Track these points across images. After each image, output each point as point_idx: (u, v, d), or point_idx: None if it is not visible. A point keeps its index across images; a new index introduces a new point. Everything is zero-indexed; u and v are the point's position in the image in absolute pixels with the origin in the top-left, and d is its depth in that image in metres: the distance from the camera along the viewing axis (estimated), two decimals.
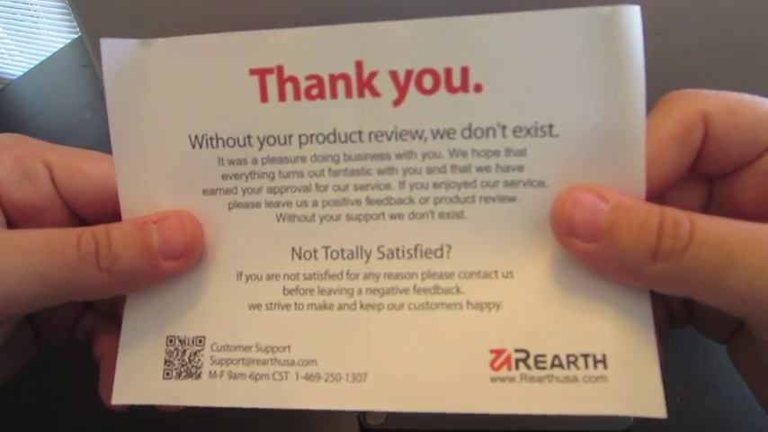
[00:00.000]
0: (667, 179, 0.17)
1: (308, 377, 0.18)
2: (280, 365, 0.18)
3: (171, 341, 0.19)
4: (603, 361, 0.17)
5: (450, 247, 0.18)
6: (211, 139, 0.18)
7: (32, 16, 1.47)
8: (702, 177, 0.18)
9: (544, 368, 0.17)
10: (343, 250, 0.18)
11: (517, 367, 0.17)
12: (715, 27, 0.30)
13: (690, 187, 0.18)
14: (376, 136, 0.18)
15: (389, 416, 0.30)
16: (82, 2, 0.26)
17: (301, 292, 0.18)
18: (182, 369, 0.18)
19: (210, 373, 0.18)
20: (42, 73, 0.68)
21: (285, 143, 0.18)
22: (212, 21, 0.25)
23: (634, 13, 0.16)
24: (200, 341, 0.19)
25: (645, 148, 0.16)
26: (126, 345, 0.19)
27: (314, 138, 0.18)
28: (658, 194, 0.17)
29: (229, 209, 0.19)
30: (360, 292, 0.18)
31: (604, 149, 0.17)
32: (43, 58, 0.71)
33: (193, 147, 0.18)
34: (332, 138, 0.18)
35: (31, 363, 0.22)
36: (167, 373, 0.19)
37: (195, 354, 0.19)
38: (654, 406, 0.16)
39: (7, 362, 0.20)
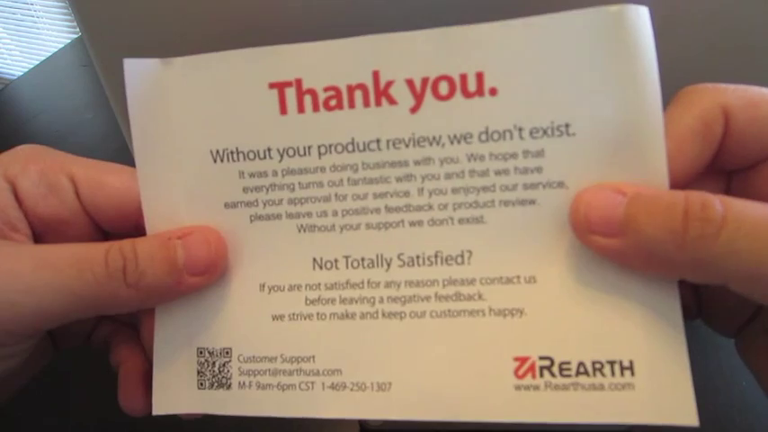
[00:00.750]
0: (688, 174, 0.17)
1: (333, 387, 0.18)
2: (305, 376, 0.18)
3: (201, 353, 0.19)
4: (631, 368, 0.16)
5: (470, 252, 0.18)
6: (232, 153, 0.19)
7: (32, 16, 1.48)
8: (721, 172, 0.18)
9: (569, 376, 0.17)
10: (363, 259, 0.18)
11: (542, 375, 0.17)
12: (715, 27, 0.30)
13: (707, 182, 0.18)
14: (394, 144, 0.18)
15: None
16: (82, 2, 0.26)
17: (323, 302, 0.19)
18: (213, 380, 0.19)
19: (240, 383, 0.19)
20: (42, 73, 0.68)
21: (305, 154, 0.18)
22: (213, 21, 0.25)
23: (641, 10, 0.16)
24: (228, 353, 0.19)
25: (665, 143, 0.16)
26: (160, 357, 0.19)
27: (333, 148, 0.18)
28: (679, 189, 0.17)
29: (251, 221, 0.19)
30: (381, 300, 0.18)
31: (623, 146, 0.16)
32: (43, 58, 0.71)
33: (215, 161, 0.19)
34: (350, 147, 0.18)
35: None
36: (201, 384, 0.19)
37: (224, 365, 0.19)
38: (685, 414, 0.16)
39: (25, 370, 0.20)
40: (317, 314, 0.19)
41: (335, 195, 0.18)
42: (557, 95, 0.17)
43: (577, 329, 0.17)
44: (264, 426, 0.31)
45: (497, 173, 0.17)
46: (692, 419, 0.16)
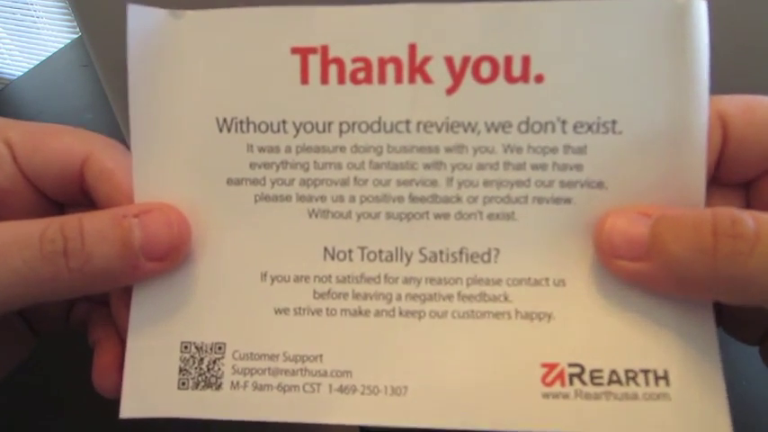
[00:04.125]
0: None
1: (342, 389, 0.17)
2: (311, 376, 0.17)
3: (186, 347, 0.17)
4: (666, 377, 0.16)
5: (498, 251, 0.17)
6: (241, 122, 0.17)
7: (32, 16, 1.47)
8: (735, 187, 0.18)
9: (601, 384, 0.16)
10: (381, 251, 0.17)
11: (571, 383, 0.16)
12: (715, 27, 0.30)
13: (726, 198, 0.17)
14: (425, 127, 0.16)
15: None
16: (82, 2, 0.26)
17: (334, 296, 0.17)
18: (199, 379, 0.17)
19: (233, 383, 0.17)
20: (42, 73, 0.68)
21: (324, 131, 0.17)
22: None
23: (703, 5, 0.15)
24: (220, 348, 0.17)
25: (706, 153, 0.16)
26: (134, 352, 0.17)
27: (356, 126, 0.17)
28: None
29: (255, 201, 0.17)
30: (399, 297, 0.17)
31: (666, 151, 0.16)
32: (43, 58, 0.71)
33: (220, 130, 0.17)
34: (376, 127, 0.17)
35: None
36: (183, 383, 0.17)
37: (214, 362, 0.17)
38: (720, 427, 0.15)
39: (4, 358, 0.20)
40: (327, 309, 0.17)
41: (354, 179, 0.17)
42: (606, 89, 0.16)
43: (608, 336, 0.16)
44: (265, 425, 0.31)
45: (534, 167, 0.16)
46: (727, 428, 0.15)
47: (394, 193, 0.17)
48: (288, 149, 0.17)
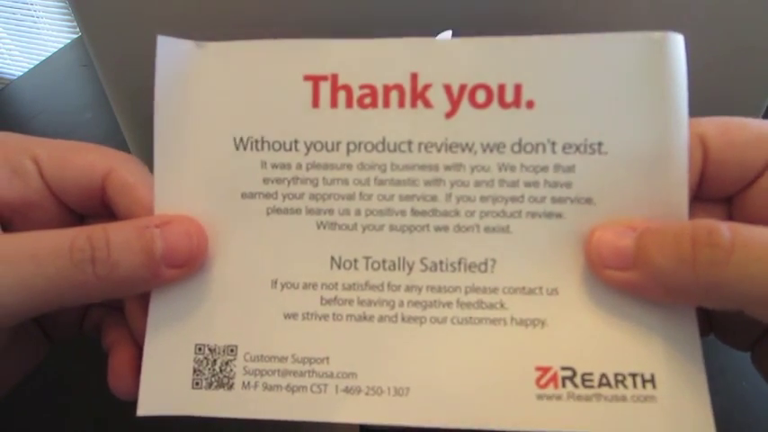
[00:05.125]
0: None
1: (347, 390, 0.18)
2: (318, 377, 0.18)
3: (200, 349, 0.18)
4: (652, 380, 0.17)
5: (494, 261, 0.18)
6: (256, 141, 0.18)
7: (32, 16, 1.47)
8: (718, 201, 0.18)
9: (592, 387, 0.17)
10: (384, 261, 0.18)
11: (564, 385, 0.17)
12: (715, 27, 0.30)
13: (709, 212, 0.18)
14: (426, 147, 0.18)
15: None
16: (82, 2, 0.26)
17: (340, 302, 0.18)
18: (212, 379, 0.18)
19: (244, 383, 0.18)
20: (42, 73, 0.68)
21: (332, 149, 0.18)
22: (213, 21, 0.25)
23: (679, 39, 0.17)
24: (232, 350, 0.18)
25: (687, 172, 0.17)
26: (151, 353, 0.18)
27: (362, 146, 0.18)
28: None
29: (267, 214, 0.18)
30: (401, 304, 0.18)
31: (650, 170, 0.17)
32: (43, 58, 0.71)
33: (237, 149, 0.18)
34: (381, 147, 0.18)
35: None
36: (196, 383, 0.18)
37: (227, 363, 0.18)
38: (704, 427, 0.16)
39: (17, 365, 0.20)
40: (333, 315, 0.18)
41: (360, 194, 0.18)
42: (592, 114, 0.17)
43: (599, 342, 0.17)
44: (262, 425, 0.31)
45: (527, 184, 0.17)
46: (710, 427, 0.16)
47: (397, 207, 0.18)
48: (299, 166, 0.18)
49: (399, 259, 0.18)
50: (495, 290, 0.18)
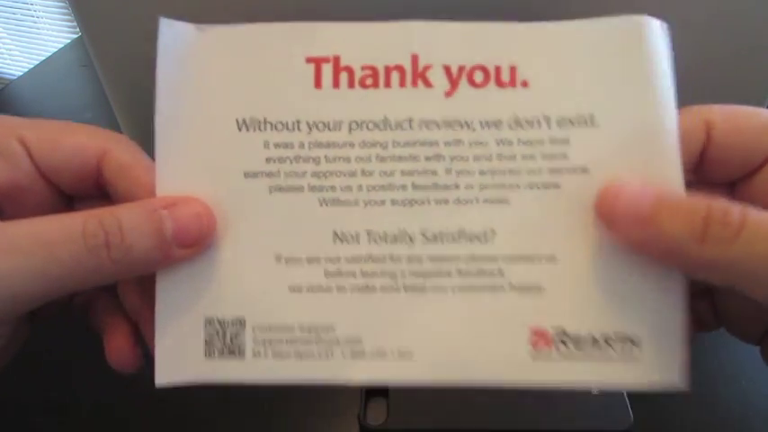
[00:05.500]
0: None
1: (353, 354, 0.18)
2: (324, 344, 0.19)
3: (210, 322, 0.19)
4: (637, 342, 0.18)
5: (494, 231, 0.18)
6: (259, 122, 0.19)
7: (32, 16, 1.47)
8: (719, 187, 0.19)
9: (582, 348, 0.18)
10: (386, 234, 0.19)
11: (556, 347, 0.18)
12: (715, 27, 0.30)
13: (714, 196, 0.19)
14: (426, 124, 0.18)
15: (389, 416, 0.30)
16: (82, 2, 0.26)
17: (344, 275, 0.19)
18: (224, 349, 0.19)
19: (254, 352, 0.19)
20: (42, 73, 0.68)
21: (335, 129, 0.19)
22: (213, 21, 0.25)
23: (660, 22, 0.18)
24: (241, 322, 0.19)
25: (679, 141, 0.18)
26: (162, 327, 0.19)
27: (364, 124, 0.18)
28: None
29: (270, 192, 0.19)
30: (403, 275, 0.19)
31: (642, 140, 0.18)
32: (43, 58, 0.71)
33: (239, 129, 0.19)
34: (382, 125, 0.18)
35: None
36: (209, 353, 0.19)
37: (236, 334, 0.19)
38: (679, 380, 0.18)
39: (6, 349, 0.20)
40: (337, 287, 0.19)
41: (362, 171, 0.19)
42: (583, 91, 0.18)
43: (591, 306, 0.18)
44: (264, 426, 0.31)
45: (524, 157, 0.18)
46: (684, 385, 0.18)
47: (398, 182, 0.19)
48: (301, 145, 0.19)
49: (401, 232, 0.19)
50: (494, 258, 0.18)
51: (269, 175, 0.19)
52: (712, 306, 0.20)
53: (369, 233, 0.19)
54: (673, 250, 0.16)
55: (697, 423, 0.30)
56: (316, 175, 0.19)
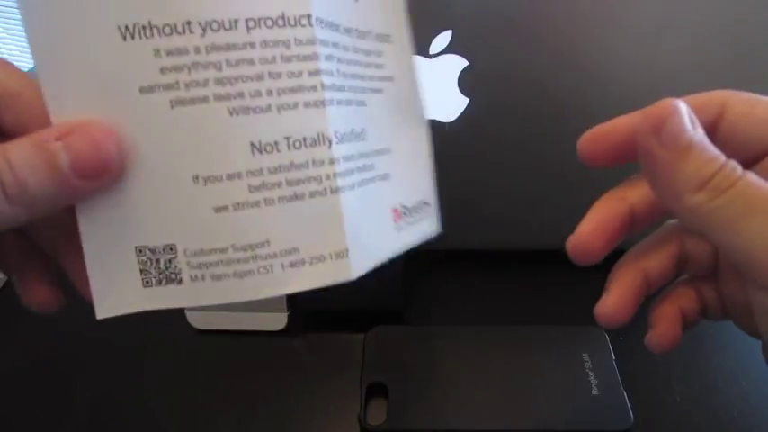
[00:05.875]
0: None
1: (292, 265, 0.18)
2: (262, 260, 0.18)
3: (141, 251, 0.18)
4: (429, 204, 0.23)
5: (364, 131, 0.20)
6: (144, 28, 0.16)
7: None
8: None
9: (413, 215, 0.22)
10: (305, 139, 0.18)
11: (402, 217, 0.22)
12: (715, 27, 0.30)
13: None
14: (328, 23, 0.18)
15: (389, 416, 0.30)
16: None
17: (269, 187, 0.18)
18: (161, 276, 0.18)
19: (192, 277, 0.18)
20: None
21: (231, 28, 0.17)
22: None
23: None
24: (171, 249, 0.18)
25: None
26: (93, 261, 0.18)
27: (262, 22, 0.17)
28: None
29: (172, 107, 0.17)
30: (328, 177, 0.18)
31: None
32: None
33: (124, 38, 0.16)
34: (281, 22, 0.17)
35: None
36: (147, 282, 0.18)
37: (170, 261, 0.18)
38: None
39: None
40: (265, 200, 0.18)
41: (269, 74, 0.17)
42: (382, 18, 0.21)
43: (412, 183, 0.23)
44: (264, 426, 0.31)
45: (367, 66, 0.21)
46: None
47: (307, 83, 0.18)
48: (197, 50, 0.17)
49: (319, 135, 0.18)
50: (370, 154, 0.21)
51: (167, 87, 0.17)
52: (720, 297, 0.21)
53: (287, 140, 0.18)
54: (676, 186, 0.17)
55: (697, 423, 0.30)
56: (219, 82, 0.17)
